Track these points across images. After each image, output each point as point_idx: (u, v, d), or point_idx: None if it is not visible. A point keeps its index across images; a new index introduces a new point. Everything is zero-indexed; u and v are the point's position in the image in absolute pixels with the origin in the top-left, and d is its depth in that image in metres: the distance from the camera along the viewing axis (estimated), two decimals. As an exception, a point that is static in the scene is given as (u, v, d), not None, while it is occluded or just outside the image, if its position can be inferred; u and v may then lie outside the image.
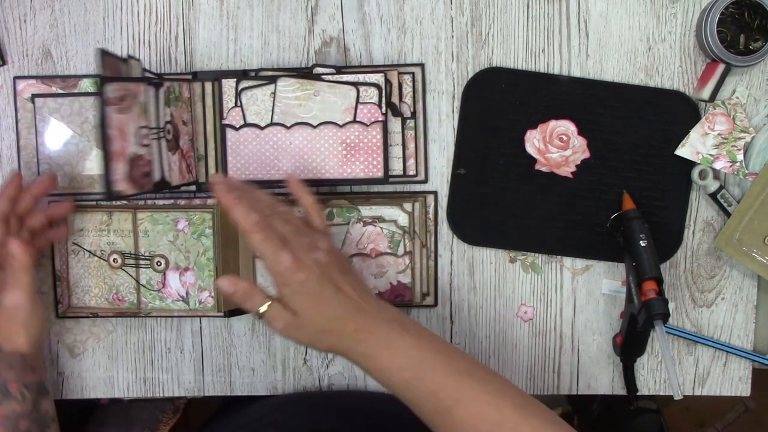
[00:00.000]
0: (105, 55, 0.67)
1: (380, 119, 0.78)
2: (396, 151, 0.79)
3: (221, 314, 0.78)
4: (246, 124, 0.78)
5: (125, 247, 0.79)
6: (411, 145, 0.80)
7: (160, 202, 0.78)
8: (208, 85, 0.79)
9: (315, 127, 0.78)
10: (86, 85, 0.80)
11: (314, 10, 0.80)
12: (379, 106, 0.77)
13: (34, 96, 0.80)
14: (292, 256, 0.64)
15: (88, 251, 0.79)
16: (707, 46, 0.75)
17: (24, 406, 0.71)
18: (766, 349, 0.82)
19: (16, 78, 0.80)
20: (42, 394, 0.73)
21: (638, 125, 0.78)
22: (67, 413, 0.82)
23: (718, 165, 0.77)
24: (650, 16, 0.79)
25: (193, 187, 0.81)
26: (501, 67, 0.80)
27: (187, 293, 0.79)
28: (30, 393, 0.72)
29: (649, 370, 0.82)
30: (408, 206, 0.80)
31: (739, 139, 0.77)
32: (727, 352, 0.81)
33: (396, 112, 0.79)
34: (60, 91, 0.80)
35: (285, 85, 0.78)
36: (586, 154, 0.79)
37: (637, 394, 0.82)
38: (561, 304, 0.82)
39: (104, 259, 0.80)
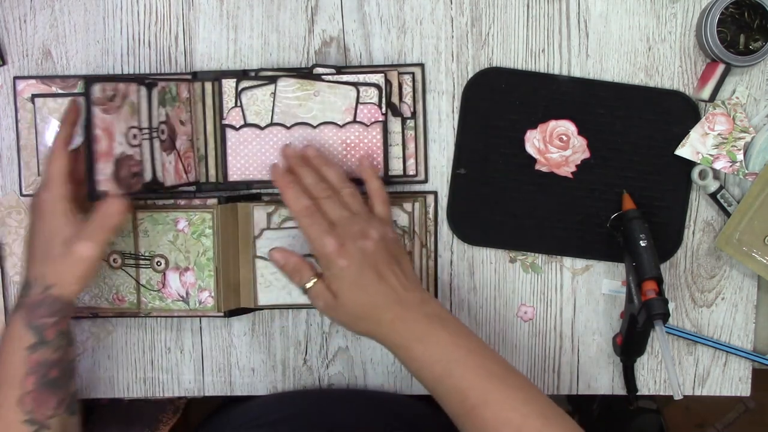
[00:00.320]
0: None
1: (380, 119, 0.78)
2: (396, 151, 0.79)
3: (221, 314, 0.78)
4: (246, 124, 0.78)
5: (125, 247, 0.79)
6: (411, 145, 0.80)
7: (160, 203, 0.78)
8: (208, 85, 0.79)
9: (315, 127, 0.78)
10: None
11: (314, 10, 0.80)
12: (379, 106, 0.77)
13: (34, 96, 0.80)
14: (336, 241, 0.67)
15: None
16: (707, 46, 0.75)
17: (57, 353, 0.70)
18: (766, 349, 0.82)
19: (16, 78, 0.80)
20: (70, 342, 0.72)
21: (638, 125, 0.78)
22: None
23: (718, 165, 0.77)
24: (650, 16, 0.79)
25: (192, 187, 0.80)
26: (501, 67, 0.80)
27: (187, 293, 0.79)
28: (63, 341, 0.70)
29: (649, 370, 0.82)
30: (408, 206, 0.80)
31: (739, 139, 0.77)
32: (727, 352, 0.81)
33: (396, 112, 0.79)
34: (60, 91, 0.80)
35: (285, 85, 0.78)
36: (586, 154, 0.79)
37: (637, 394, 0.82)
38: (561, 304, 0.82)
39: (104, 259, 0.80)
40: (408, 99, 0.79)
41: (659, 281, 0.74)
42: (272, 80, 0.78)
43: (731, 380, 0.82)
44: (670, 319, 0.80)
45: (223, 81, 0.78)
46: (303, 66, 0.80)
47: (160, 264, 0.79)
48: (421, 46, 0.80)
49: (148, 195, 0.78)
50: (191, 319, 0.83)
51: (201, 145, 0.80)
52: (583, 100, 0.79)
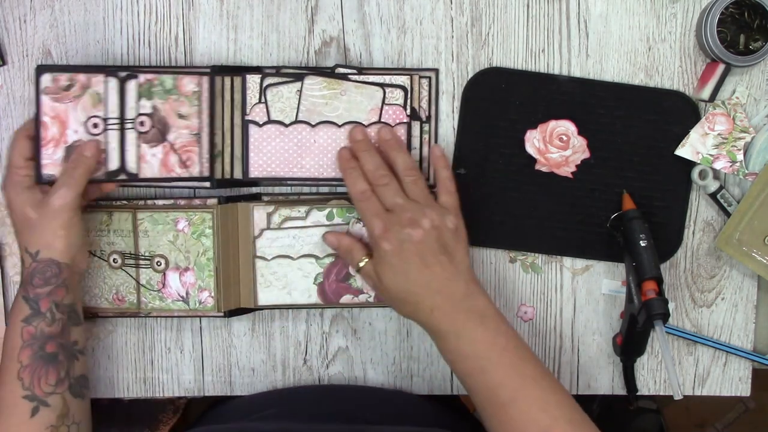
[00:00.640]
0: None
1: (405, 121, 0.78)
2: (415, 154, 0.79)
3: (221, 314, 0.78)
4: (270, 121, 0.78)
5: (125, 247, 0.79)
6: (425, 149, 0.79)
7: (160, 202, 0.78)
8: (228, 80, 0.78)
9: (340, 126, 0.78)
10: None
11: (314, 10, 0.80)
12: (405, 108, 0.78)
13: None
14: (383, 225, 0.69)
15: (87, 251, 0.79)
16: (707, 46, 0.75)
17: (53, 327, 0.70)
18: (766, 349, 0.82)
19: (38, 68, 0.79)
20: (73, 320, 0.72)
21: (638, 125, 0.78)
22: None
23: (718, 165, 0.77)
24: (650, 16, 0.79)
25: (192, 187, 0.80)
26: (501, 67, 0.80)
27: (187, 293, 0.79)
28: (61, 314, 0.71)
29: (649, 370, 0.82)
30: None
31: (739, 139, 0.77)
32: (727, 352, 0.81)
33: (415, 115, 0.79)
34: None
35: (312, 83, 0.77)
36: (586, 154, 0.79)
37: (637, 394, 0.82)
38: (561, 304, 0.82)
39: (104, 260, 0.80)
40: (424, 103, 0.79)
41: (659, 281, 0.74)
42: (298, 78, 0.78)
43: (731, 380, 0.82)
44: (670, 319, 0.80)
45: (248, 77, 0.78)
46: (303, 66, 0.80)
47: (160, 264, 0.79)
48: (421, 46, 0.80)
49: (128, 183, 0.78)
50: (191, 319, 0.83)
51: (218, 140, 0.79)
52: (583, 100, 0.79)
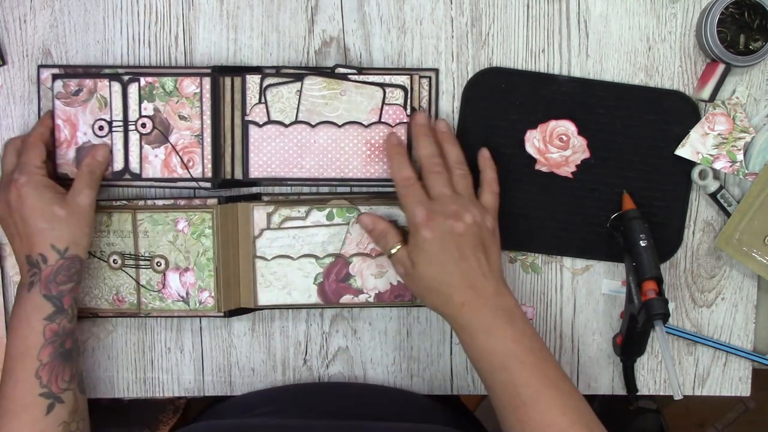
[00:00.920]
0: None
1: (405, 121, 0.78)
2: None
3: (221, 314, 0.78)
4: (270, 121, 0.78)
5: (125, 248, 0.79)
6: None
7: (160, 203, 0.78)
8: (228, 81, 0.78)
9: (340, 126, 0.78)
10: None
11: (314, 10, 0.80)
12: (405, 108, 0.78)
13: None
14: (426, 213, 0.69)
15: (87, 252, 0.79)
16: (707, 46, 0.75)
17: (71, 323, 0.72)
18: (766, 349, 0.82)
19: (40, 67, 0.80)
20: (77, 311, 0.74)
21: (638, 125, 0.78)
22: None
23: (718, 165, 0.77)
24: (650, 16, 0.79)
25: (192, 186, 0.80)
26: (501, 67, 0.80)
27: (187, 293, 0.79)
28: (75, 310, 0.73)
29: (649, 370, 0.82)
30: (408, 206, 0.79)
31: (739, 139, 0.77)
32: (727, 352, 0.81)
33: None
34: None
35: (311, 83, 0.77)
36: (586, 154, 0.79)
37: (637, 394, 0.82)
38: (561, 304, 0.82)
39: (104, 260, 0.80)
40: (424, 103, 0.79)
41: (659, 281, 0.74)
42: (298, 78, 0.78)
43: (731, 380, 0.82)
44: (670, 319, 0.80)
45: (248, 77, 0.78)
46: (302, 65, 0.80)
47: (160, 264, 0.79)
48: (421, 46, 0.80)
49: (130, 184, 0.79)
50: (191, 319, 0.83)
51: (222, 141, 0.79)
52: (583, 100, 0.79)
